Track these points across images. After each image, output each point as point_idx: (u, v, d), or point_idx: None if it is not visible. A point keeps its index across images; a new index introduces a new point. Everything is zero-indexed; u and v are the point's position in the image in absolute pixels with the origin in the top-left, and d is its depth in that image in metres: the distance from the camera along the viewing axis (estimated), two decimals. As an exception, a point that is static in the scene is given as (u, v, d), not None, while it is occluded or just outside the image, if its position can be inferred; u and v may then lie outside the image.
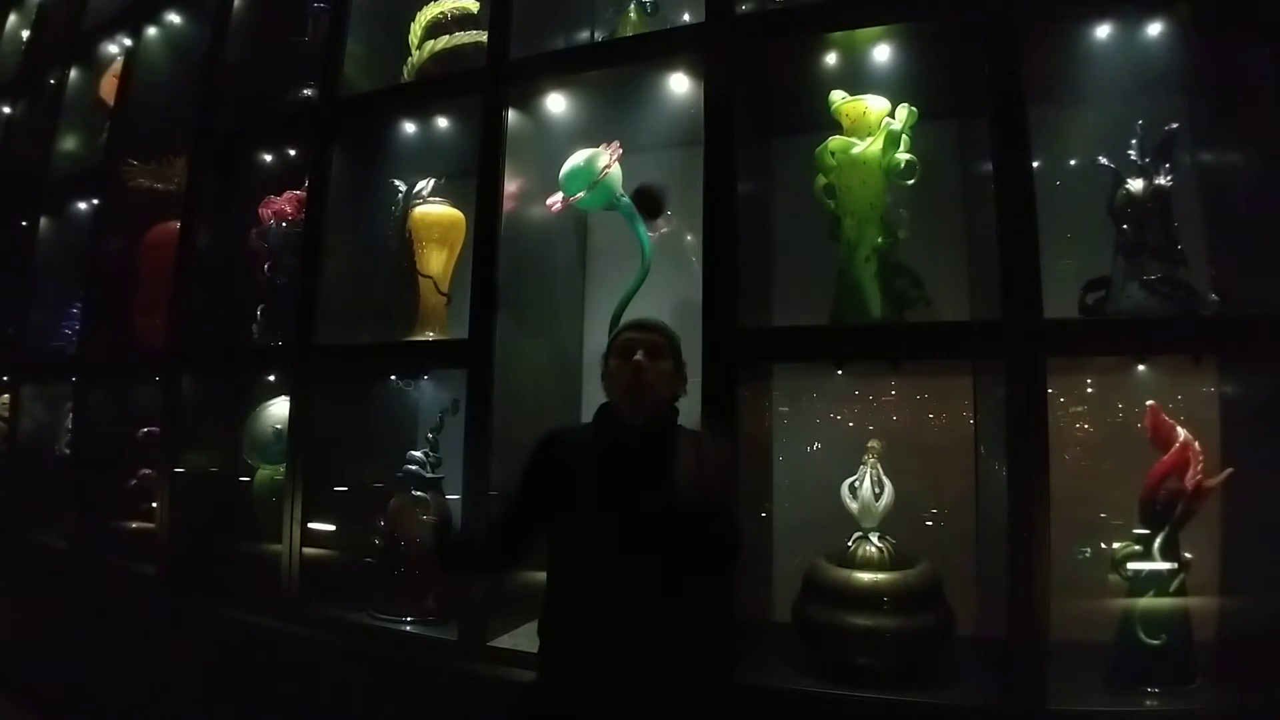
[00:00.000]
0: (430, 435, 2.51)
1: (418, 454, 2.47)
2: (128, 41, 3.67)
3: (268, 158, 3.10)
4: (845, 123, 2.05)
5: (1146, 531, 1.78)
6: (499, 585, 2.18)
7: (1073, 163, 2.21)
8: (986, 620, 2.00)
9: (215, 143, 3.09)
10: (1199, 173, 2.07)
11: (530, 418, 2.32)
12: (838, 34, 2.06)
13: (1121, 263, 1.85)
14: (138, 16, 3.63)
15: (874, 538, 1.95)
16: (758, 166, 2.37)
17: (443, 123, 2.69)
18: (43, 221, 3.94)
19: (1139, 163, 1.87)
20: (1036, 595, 1.65)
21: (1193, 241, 1.92)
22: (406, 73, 2.71)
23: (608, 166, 2.21)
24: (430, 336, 2.54)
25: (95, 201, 3.65)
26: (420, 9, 2.72)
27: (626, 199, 2.32)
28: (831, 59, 2.14)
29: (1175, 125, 1.87)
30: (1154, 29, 1.96)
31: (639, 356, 1.57)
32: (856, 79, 2.12)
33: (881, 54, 2.11)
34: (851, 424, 2.43)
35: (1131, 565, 1.78)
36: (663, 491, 1.49)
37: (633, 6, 2.49)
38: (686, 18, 2.47)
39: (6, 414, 3.96)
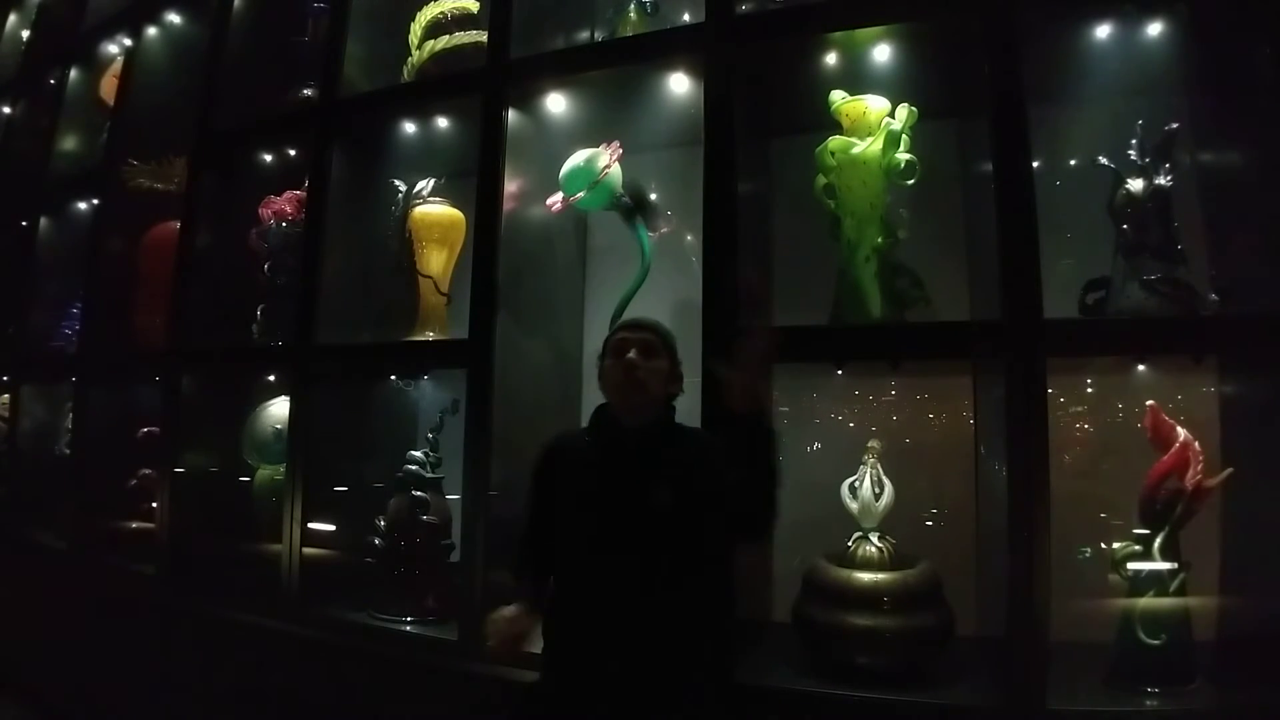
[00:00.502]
0: (430, 435, 2.51)
1: (418, 454, 2.47)
2: (128, 41, 3.67)
3: (268, 158, 3.10)
4: (845, 123, 2.05)
5: (1146, 531, 1.77)
6: (499, 585, 2.18)
7: (1073, 163, 2.21)
8: (986, 620, 2.00)
9: (215, 143, 3.10)
10: (1199, 173, 2.06)
11: (530, 418, 2.32)
12: (838, 34, 2.06)
13: (1121, 263, 1.85)
14: (138, 16, 3.62)
15: (874, 538, 1.95)
16: (758, 166, 2.37)
17: (443, 123, 2.69)
18: (43, 221, 3.95)
19: (1139, 163, 1.87)
20: (1036, 595, 1.65)
21: (1193, 241, 1.92)
22: (406, 73, 2.71)
23: (608, 166, 2.22)
24: (430, 336, 2.54)
25: (95, 201, 3.65)
26: (420, 9, 2.72)
27: (627, 199, 2.32)
28: (831, 59, 2.14)
29: (1175, 125, 1.86)
30: (1154, 29, 1.96)
31: (631, 355, 1.58)
32: (856, 79, 2.11)
33: (881, 54, 2.10)
34: (851, 424, 2.44)
35: (1131, 565, 1.77)
36: (662, 490, 1.50)
37: (633, 6, 2.49)
38: (686, 18, 2.47)
39: (6, 414, 3.96)
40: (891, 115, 2.00)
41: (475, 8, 2.74)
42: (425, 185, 2.62)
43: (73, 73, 4.02)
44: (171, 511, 2.89)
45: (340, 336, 2.66)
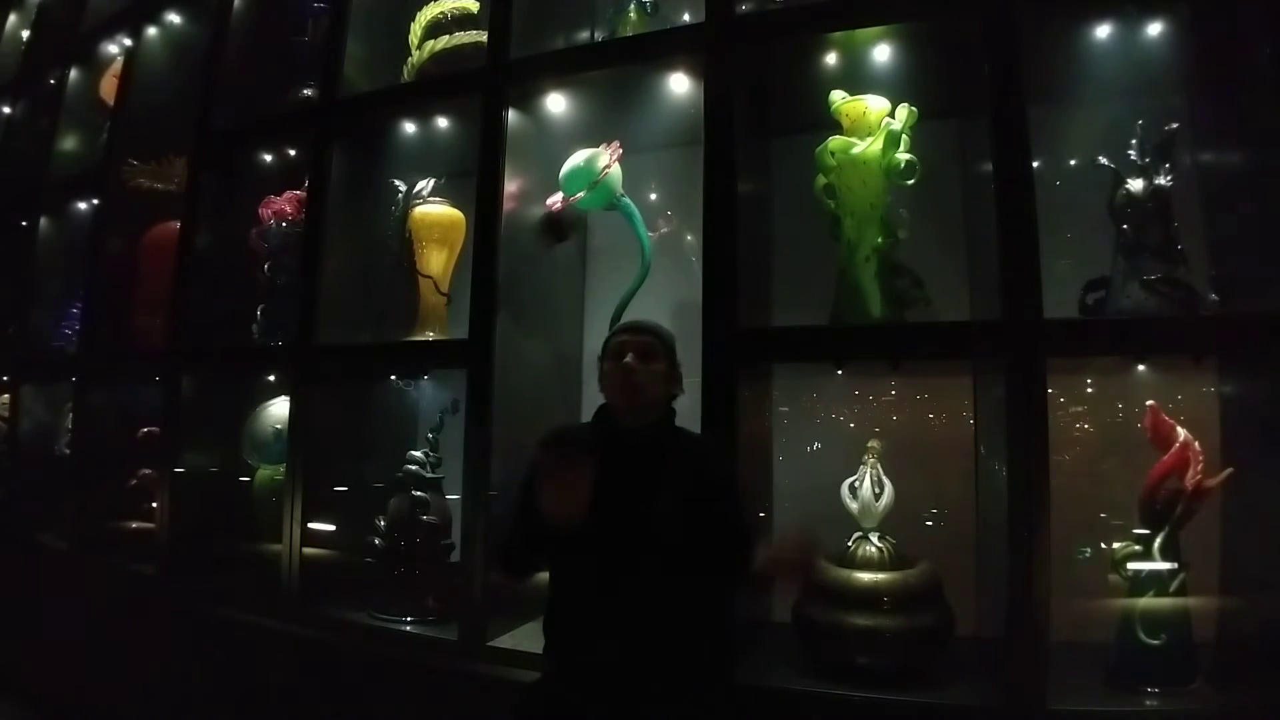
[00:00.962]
0: (430, 435, 2.51)
1: (418, 454, 2.47)
2: (128, 41, 3.67)
3: (268, 158, 3.10)
4: (845, 123, 2.05)
5: (1146, 531, 1.77)
6: (499, 585, 2.18)
7: (1073, 163, 2.21)
8: (986, 620, 2.00)
9: (215, 142, 3.09)
10: (1199, 173, 2.06)
11: (530, 418, 2.32)
12: (838, 34, 2.06)
13: (1121, 263, 1.85)
14: (138, 16, 3.62)
15: (874, 538, 1.95)
16: (758, 166, 2.37)
17: (443, 123, 2.69)
18: (43, 221, 3.94)
19: (1139, 163, 1.86)
20: (1036, 595, 1.65)
21: (1193, 241, 1.92)
22: (406, 73, 2.71)
23: (608, 166, 2.22)
24: (430, 336, 2.54)
25: (95, 201, 3.65)
26: (420, 9, 2.72)
27: (626, 199, 2.32)
28: (831, 59, 2.14)
29: (1175, 125, 1.86)
30: (1154, 29, 1.96)
31: (630, 358, 1.58)
32: (856, 79, 2.11)
33: (881, 54, 2.10)
34: (851, 424, 2.44)
35: (1131, 565, 1.77)
36: (661, 491, 1.51)
37: (633, 6, 2.49)
38: (686, 18, 2.47)
39: (6, 414, 3.96)
40: (891, 115, 2.00)
41: (475, 8, 2.73)
42: (425, 185, 2.62)
43: (73, 73, 4.01)
44: (171, 511, 2.89)
45: (340, 336, 2.66)
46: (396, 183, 2.68)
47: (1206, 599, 1.85)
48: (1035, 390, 1.71)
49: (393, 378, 2.85)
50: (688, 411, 1.75)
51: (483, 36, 2.55)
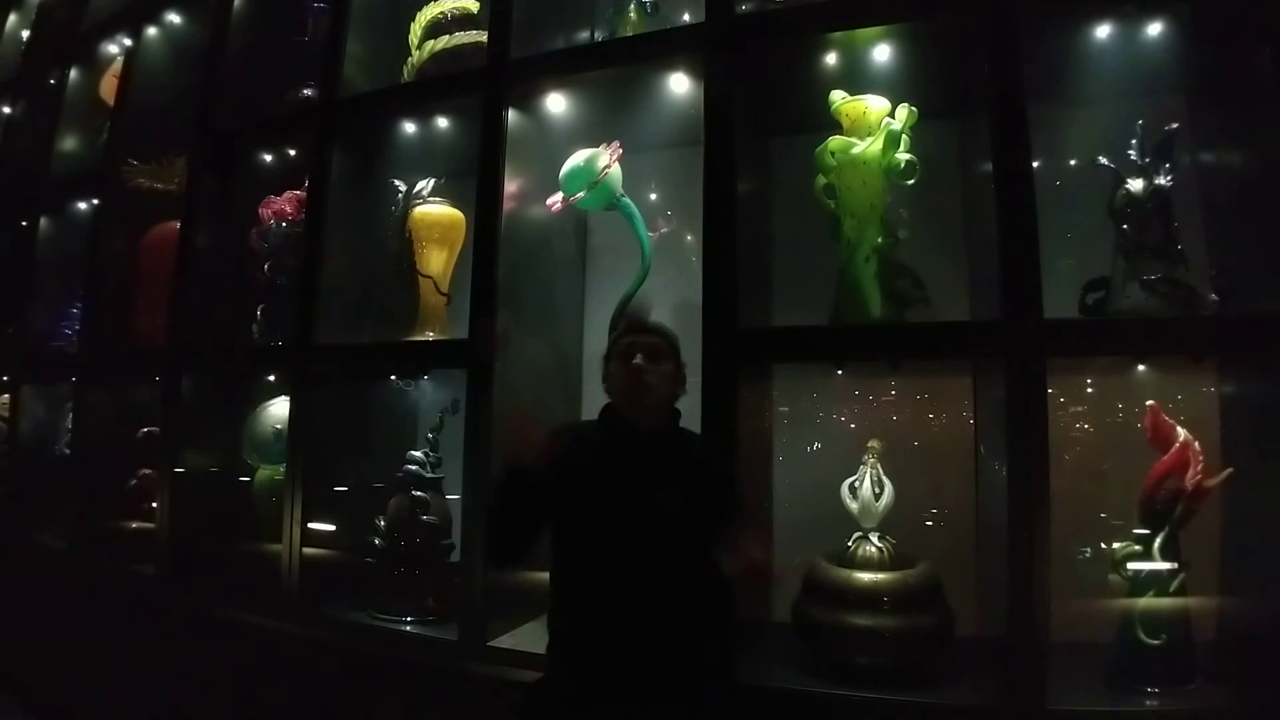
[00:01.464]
0: (430, 435, 2.51)
1: (418, 454, 2.47)
2: (128, 41, 3.67)
3: (268, 158, 3.10)
4: (845, 123, 2.05)
5: (1146, 531, 1.78)
6: (499, 585, 2.18)
7: (1073, 163, 2.21)
8: (986, 620, 2.00)
9: (215, 143, 3.09)
10: (1199, 173, 2.06)
11: (530, 418, 2.32)
12: (838, 34, 2.06)
13: (1121, 263, 1.85)
14: (138, 16, 3.62)
15: (874, 538, 1.95)
16: (758, 166, 2.37)
17: (443, 123, 2.69)
18: (43, 221, 3.94)
19: (1139, 163, 1.87)
20: (1036, 595, 1.65)
21: (1193, 241, 1.92)
22: (406, 73, 2.71)
23: (608, 166, 2.22)
24: (430, 336, 2.54)
25: (95, 201, 3.65)
26: (420, 9, 2.72)
27: (626, 199, 2.33)
28: (831, 59, 2.14)
29: (1175, 125, 1.86)
30: (1154, 29, 1.96)
31: (639, 359, 1.58)
32: (856, 79, 2.12)
33: (881, 54, 2.11)
34: (851, 424, 2.44)
35: (1131, 565, 1.78)
36: (668, 491, 1.51)
37: (633, 6, 2.49)
38: (686, 18, 2.47)
39: (6, 414, 3.96)
40: (891, 115, 2.00)
41: (475, 8, 2.74)
42: (425, 185, 2.62)
43: (73, 73, 4.01)
44: (171, 511, 2.89)
45: (340, 336, 2.66)
46: (396, 183, 2.68)
47: (1206, 599, 1.85)
48: (1035, 390, 1.71)
49: (393, 378, 2.85)
50: (688, 411, 1.75)
51: (483, 36, 2.55)
